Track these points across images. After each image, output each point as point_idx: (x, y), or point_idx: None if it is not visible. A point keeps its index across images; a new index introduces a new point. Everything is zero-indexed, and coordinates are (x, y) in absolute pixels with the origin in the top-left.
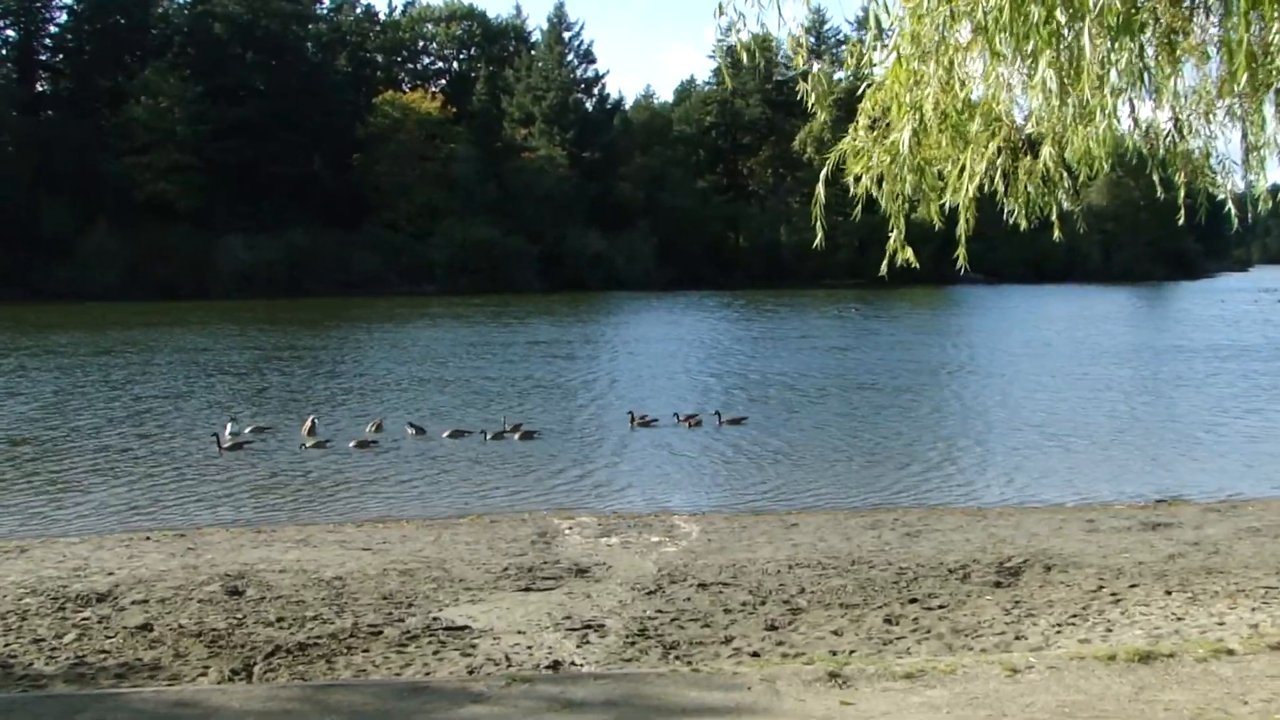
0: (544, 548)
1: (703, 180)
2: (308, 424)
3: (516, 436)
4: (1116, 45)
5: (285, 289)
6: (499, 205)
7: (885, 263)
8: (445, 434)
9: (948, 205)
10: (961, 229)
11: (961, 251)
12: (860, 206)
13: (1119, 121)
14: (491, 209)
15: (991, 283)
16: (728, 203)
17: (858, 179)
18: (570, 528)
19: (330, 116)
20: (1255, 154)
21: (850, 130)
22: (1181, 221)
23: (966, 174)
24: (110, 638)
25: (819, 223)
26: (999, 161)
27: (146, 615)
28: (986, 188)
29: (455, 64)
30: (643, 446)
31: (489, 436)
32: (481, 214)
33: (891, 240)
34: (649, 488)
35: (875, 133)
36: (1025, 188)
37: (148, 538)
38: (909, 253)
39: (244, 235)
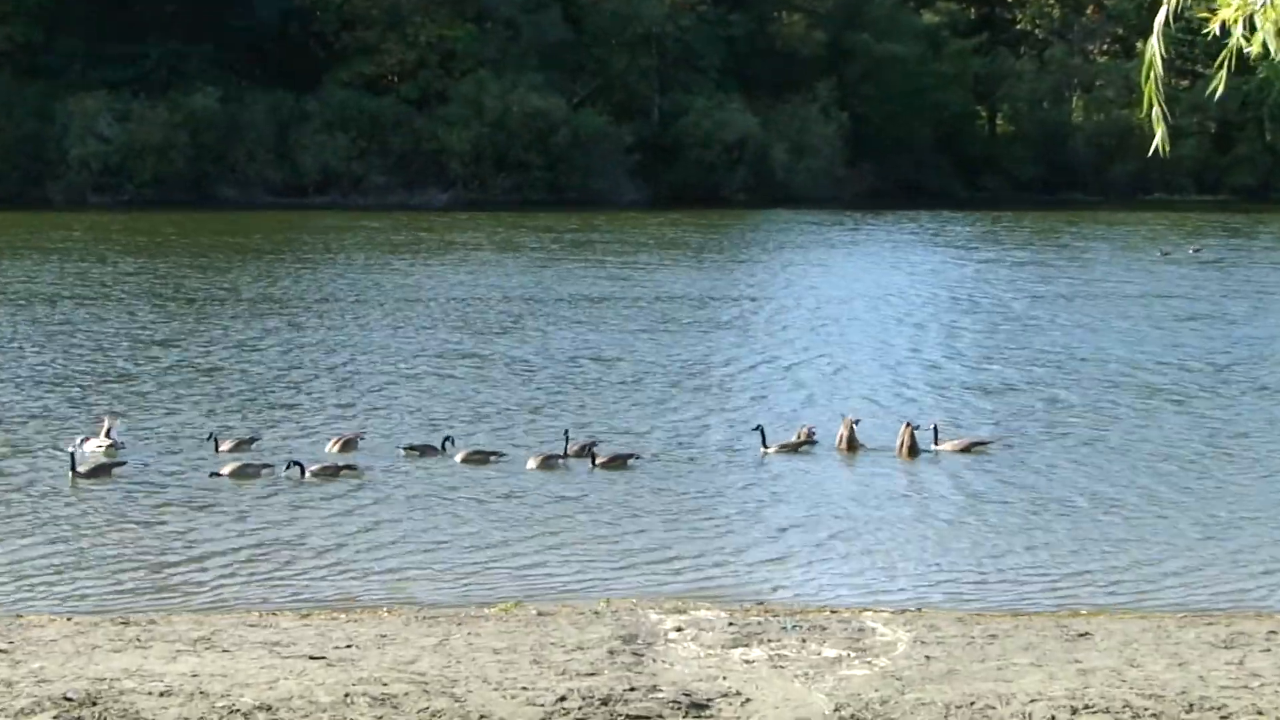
0: (631, 663)
1: (931, 13)
2: (228, 443)
3: (593, 465)
4: None
5: (184, 192)
6: (564, 51)
7: None
8: (458, 457)
9: None
10: None
11: None
12: (1223, 67)
13: None
14: (551, 58)
15: None
16: (976, 54)
17: (1224, 29)
18: (679, 628)
19: None
20: None
21: None
22: None
23: None
24: None
25: (1154, 104)
26: None
27: None
28: None
29: None
30: (810, 487)
31: (536, 464)
32: (533, 67)
33: None
34: (821, 562)
35: None
36: None
37: None
38: None
39: (111, 97)
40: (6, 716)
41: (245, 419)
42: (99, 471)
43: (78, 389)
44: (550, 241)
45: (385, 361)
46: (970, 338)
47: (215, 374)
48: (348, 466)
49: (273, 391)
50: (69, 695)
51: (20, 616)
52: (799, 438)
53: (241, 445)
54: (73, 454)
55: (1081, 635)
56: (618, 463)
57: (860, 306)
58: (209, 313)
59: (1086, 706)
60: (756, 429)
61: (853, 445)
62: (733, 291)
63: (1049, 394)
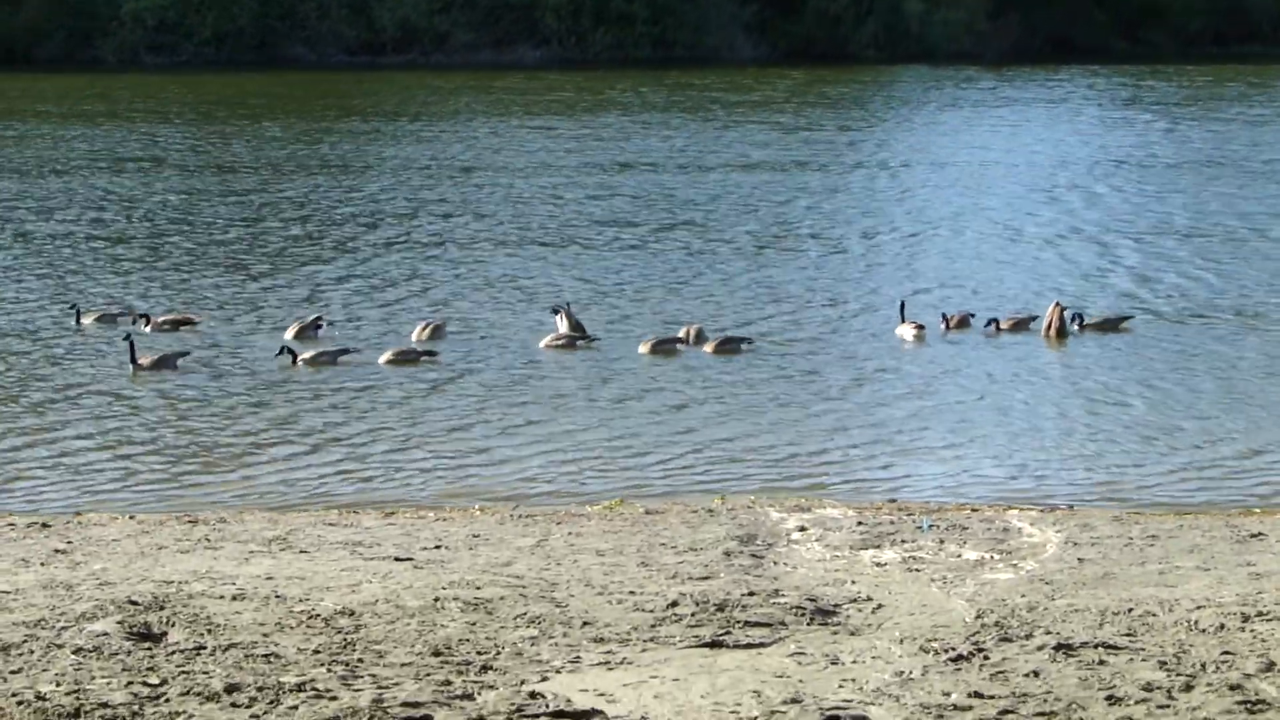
0: (750, 566)
1: None
2: (296, 325)
3: (706, 349)
4: None
5: (249, 51)
6: None
7: None
8: (542, 343)
9: None
10: None
11: None
12: None
13: None
14: None
15: None
16: None
17: None
18: (802, 528)
19: None
20: None
21: None
22: None
23: None
24: None
25: None
26: None
27: None
28: None
29: None
30: (949, 373)
31: (648, 348)
32: None
33: None
34: (961, 455)
35: None
36: None
37: None
38: None
39: None
40: (68, 621)
41: (344, 304)
42: (163, 362)
43: (108, 281)
44: (697, 101)
45: (460, 236)
46: (1112, 211)
47: (270, 258)
48: (428, 353)
49: (337, 279)
50: (134, 599)
51: (79, 515)
52: (950, 320)
53: (303, 330)
54: (132, 343)
55: (1254, 536)
56: (730, 345)
57: (996, 172)
58: (263, 184)
59: (1260, 614)
60: (900, 303)
61: (1062, 333)
62: (852, 158)
63: (1231, 269)
